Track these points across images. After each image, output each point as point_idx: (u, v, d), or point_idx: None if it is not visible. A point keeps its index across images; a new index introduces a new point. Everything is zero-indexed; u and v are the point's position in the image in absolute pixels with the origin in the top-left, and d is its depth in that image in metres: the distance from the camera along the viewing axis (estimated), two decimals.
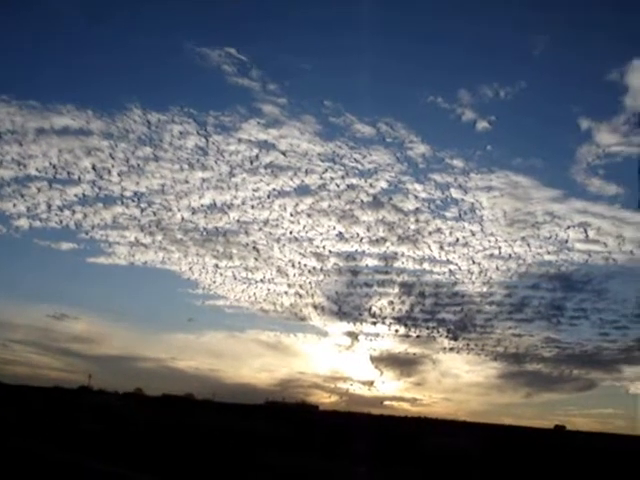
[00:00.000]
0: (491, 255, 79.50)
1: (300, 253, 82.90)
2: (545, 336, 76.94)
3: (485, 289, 78.58)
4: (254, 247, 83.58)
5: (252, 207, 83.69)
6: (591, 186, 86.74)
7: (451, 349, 77.21)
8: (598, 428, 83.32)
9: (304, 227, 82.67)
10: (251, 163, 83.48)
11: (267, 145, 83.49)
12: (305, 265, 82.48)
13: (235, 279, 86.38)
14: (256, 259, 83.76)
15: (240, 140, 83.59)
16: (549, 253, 78.39)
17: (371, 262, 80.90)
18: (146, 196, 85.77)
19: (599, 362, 77.55)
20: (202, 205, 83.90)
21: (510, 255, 78.63)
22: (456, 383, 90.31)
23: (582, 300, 76.55)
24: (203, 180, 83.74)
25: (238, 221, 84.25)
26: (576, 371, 79.87)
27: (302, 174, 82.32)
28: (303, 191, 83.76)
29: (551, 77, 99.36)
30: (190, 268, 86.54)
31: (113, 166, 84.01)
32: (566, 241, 78.27)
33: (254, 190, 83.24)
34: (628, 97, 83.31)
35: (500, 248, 79.05)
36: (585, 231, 78.25)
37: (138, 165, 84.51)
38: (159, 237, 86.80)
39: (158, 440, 26.44)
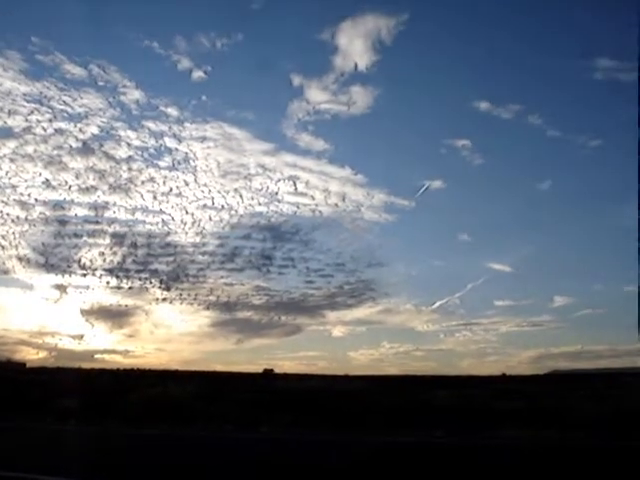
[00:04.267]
0: (204, 205, 76.00)
1: (2, 201, 74.70)
2: (255, 285, 75.17)
3: (198, 239, 75.89)
4: None
5: None
6: (301, 141, 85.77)
7: (164, 299, 73.43)
8: (304, 370, 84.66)
9: (7, 173, 72.63)
10: None
11: None
12: (8, 214, 73.46)
13: None
14: None
15: None
16: (260, 205, 75.47)
17: (81, 212, 72.68)
18: None
19: (305, 308, 77.24)
20: None
21: (223, 206, 75.47)
22: (169, 333, 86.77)
23: (290, 250, 75.91)
24: None
25: None
26: (284, 317, 78.82)
27: (4, 115, 71.30)
28: (5, 134, 72.14)
29: (267, 32, 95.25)
30: None
31: None
32: (276, 193, 75.95)
33: None
34: (337, 57, 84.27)
35: (213, 199, 75.19)
36: (294, 184, 75.89)
37: None
38: None
39: None
